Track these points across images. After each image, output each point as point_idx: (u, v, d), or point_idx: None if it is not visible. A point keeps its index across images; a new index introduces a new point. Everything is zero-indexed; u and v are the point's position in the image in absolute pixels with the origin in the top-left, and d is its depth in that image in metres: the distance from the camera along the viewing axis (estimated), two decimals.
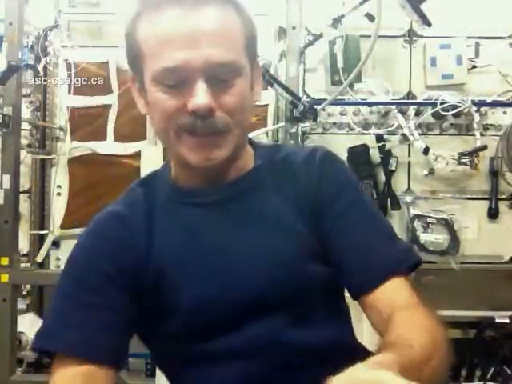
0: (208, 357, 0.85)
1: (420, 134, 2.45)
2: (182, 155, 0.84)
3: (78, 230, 2.57)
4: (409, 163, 2.51)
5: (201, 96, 0.78)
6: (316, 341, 0.85)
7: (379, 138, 2.47)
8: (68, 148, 2.58)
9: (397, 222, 2.43)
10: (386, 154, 2.46)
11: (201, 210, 0.88)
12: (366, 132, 2.49)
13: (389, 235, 0.91)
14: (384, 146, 2.47)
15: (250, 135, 1.17)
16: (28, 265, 2.55)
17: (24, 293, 2.56)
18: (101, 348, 0.81)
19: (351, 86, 2.36)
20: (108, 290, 0.84)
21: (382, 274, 0.84)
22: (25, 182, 2.57)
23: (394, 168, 2.47)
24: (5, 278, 2.12)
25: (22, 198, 2.48)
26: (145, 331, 0.90)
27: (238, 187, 0.89)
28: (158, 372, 1.98)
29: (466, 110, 2.41)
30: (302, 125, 2.37)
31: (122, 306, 0.84)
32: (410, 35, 2.54)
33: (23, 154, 2.45)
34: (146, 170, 2.29)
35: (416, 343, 0.70)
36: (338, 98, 2.33)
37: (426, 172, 2.50)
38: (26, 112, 2.49)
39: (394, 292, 0.83)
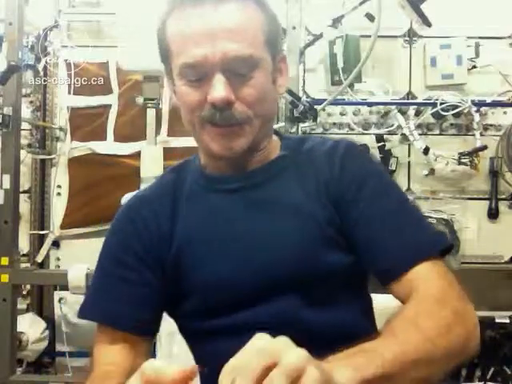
0: (223, 331, 0.89)
1: (420, 134, 2.45)
2: (206, 144, 0.89)
3: (78, 230, 2.57)
4: (409, 163, 2.52)
5: (218, 89, 0.83)
6: (332, 324, 0.87)
7: (379, 138, 2.48)
8: (68, 148, 2.58)
9: None
10: (386, 154, 2.46)
11: (223, 196, 0.93)
12: (365, 132, 2.49)
13: (416, 220, 0.91)
14: (384, 145, 2.47)
15: None
16: (28, 265, 2.55)
17: (24, 293, 2.57)
18: (132, 319, 0.90)
19: (351, 86, 2.36)
20: (138, 266, 0.92)
21: (409, 260, 0.84)
22: (25, 182, 2.57)
23: (394, 168, 2.47)
24: (5, 278, 2.12)
25: (22, 198, 2.48)
26: (170, 307, 0.97)
27: (259, 175, 0.93)
28: None
29: (466, 110, 2.41)
30: (302, 125, 2.37)
31: (151, 282, 0.92)
32: (410, 35, 2.55)
33: (23, 154, 2.45)
34: (145, 170, 2.29)
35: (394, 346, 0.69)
36: (338, 97, 2.33)
37: (426, 172, 2.50)
38: (26, 112, 2.49)
39: (420, 279, 0.82)
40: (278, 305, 0.87)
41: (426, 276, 0.83)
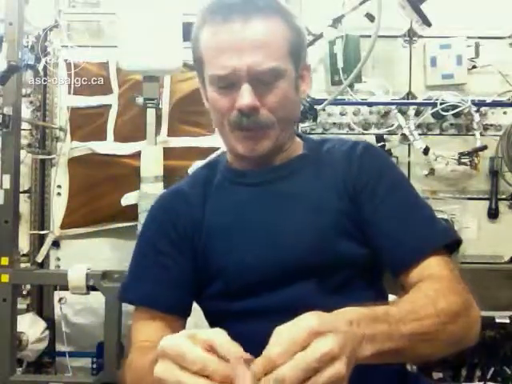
0: (244, 314, 0.96)
1: (420, 134, 2.45)
2: (232, 146, 1.00)
3: (78, 230, 2.57)
4: (409, 163, 2.52)
5: (245, 97, 0.93)
6: None
7: (379, 138, 2.47)
8: (68, 148, 2.58)
9: None
10: None
11: (247, 189, 1.03)
12: (366, 132, 2.49)
13: (428, 216, 0.98)
14: (384, 146, 2.47)
15: None
16: (28, 265, 2.55)
17: (24, 293, 2.57)
18: (168, 300, 0.99)
19: (351, 86, 2.36)
20: (172, 252, 1.01)
21: (419, 252, 0.91)
22: (25, 182, 2.56)
23: None
24: (5, 278, 2.12)
25: (22, 198, 2.48)
26: (197, 290, 1.04)
27: (280, 171, 1.02)
28: None
29: (466, 110, 2.41)
30: (301, 125, 2.37)
31: (185, 266, 1.01)
32: (410, 35, 2.54)
33: (23, 154, 2.45)
34: (145, 169, 2.28)
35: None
36: (338, 98, 2.33)
37: (426, 172, 2.50)
38: (26, 112, 2.48)
39: (430, 270, 0.88)
40: (295, 290, 0.94)
41: (435, 268, 0.89)
